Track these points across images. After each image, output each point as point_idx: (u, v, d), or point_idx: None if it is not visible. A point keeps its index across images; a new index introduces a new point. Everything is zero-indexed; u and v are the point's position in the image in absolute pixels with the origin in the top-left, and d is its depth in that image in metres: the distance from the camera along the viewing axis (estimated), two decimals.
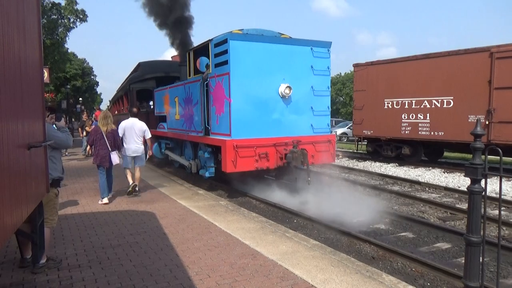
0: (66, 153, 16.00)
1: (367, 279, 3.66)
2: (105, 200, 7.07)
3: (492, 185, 9.48)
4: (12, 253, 4.35)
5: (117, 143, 7.42)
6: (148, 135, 8.09)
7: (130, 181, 7.76)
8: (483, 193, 2.74)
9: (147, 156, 8.40)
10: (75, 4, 17.34)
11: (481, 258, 2.76)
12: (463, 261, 2.95)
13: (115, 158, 7.20)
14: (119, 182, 8.56)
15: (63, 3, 17.14)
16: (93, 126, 12.18)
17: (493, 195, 8.58)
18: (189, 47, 11.27)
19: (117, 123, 8.09)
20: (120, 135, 7.69)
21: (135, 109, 8.32)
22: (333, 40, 8.27)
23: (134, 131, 7.80)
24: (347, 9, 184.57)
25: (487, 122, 10.86)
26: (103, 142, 7.14)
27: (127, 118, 8.16)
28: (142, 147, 7.99)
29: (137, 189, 7.73)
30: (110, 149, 7.15)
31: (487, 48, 11.03)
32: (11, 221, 2.39)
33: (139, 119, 8.27)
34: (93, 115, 20.27)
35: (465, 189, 9.00)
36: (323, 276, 3.73)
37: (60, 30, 17.47)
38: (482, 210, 2.76)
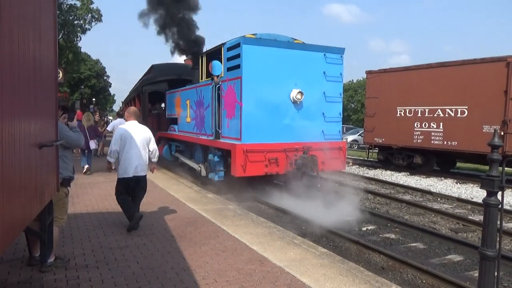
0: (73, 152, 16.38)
1: None
2: (86, 167, 10.43)
3: (507, 197, 9.28)
4: (21, 251, 4.38)
5: (98, 134, 11.17)
6: None
7: None
8: (499, 206, 2.66)
9: None
10: (91, 3, 17.57)
11: (496, 273, 2.68)
12: (476, 275, 2.87)
13: (92, 144, 10.63)
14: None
15: (78, 5, 17.38)
16: (105, 126, 15.74)
17: (508, 207, 8.39)
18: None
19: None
20: (110, 129, 11.48)
21: (121, 113, 12.44)
22: (344, 46, 8.23)
23: None
24: (359, 15, 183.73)
25: (502, 133, 10.65)
26: (84, 134, 9.81)
27: (140, 118, 10.85)
28: None
29: None
30: (89, 138, 10.22)
31: (504, 57, 10.84)
32: (20, 219, 2.39)
33: (151, 120, 11.63)
34: (76, 115, 22.15)
35: (478, 201, 8.84)
36: (331, 285, 3.66)
37: (75, 29, 17.68)
38: (498, 223, 2.68)
